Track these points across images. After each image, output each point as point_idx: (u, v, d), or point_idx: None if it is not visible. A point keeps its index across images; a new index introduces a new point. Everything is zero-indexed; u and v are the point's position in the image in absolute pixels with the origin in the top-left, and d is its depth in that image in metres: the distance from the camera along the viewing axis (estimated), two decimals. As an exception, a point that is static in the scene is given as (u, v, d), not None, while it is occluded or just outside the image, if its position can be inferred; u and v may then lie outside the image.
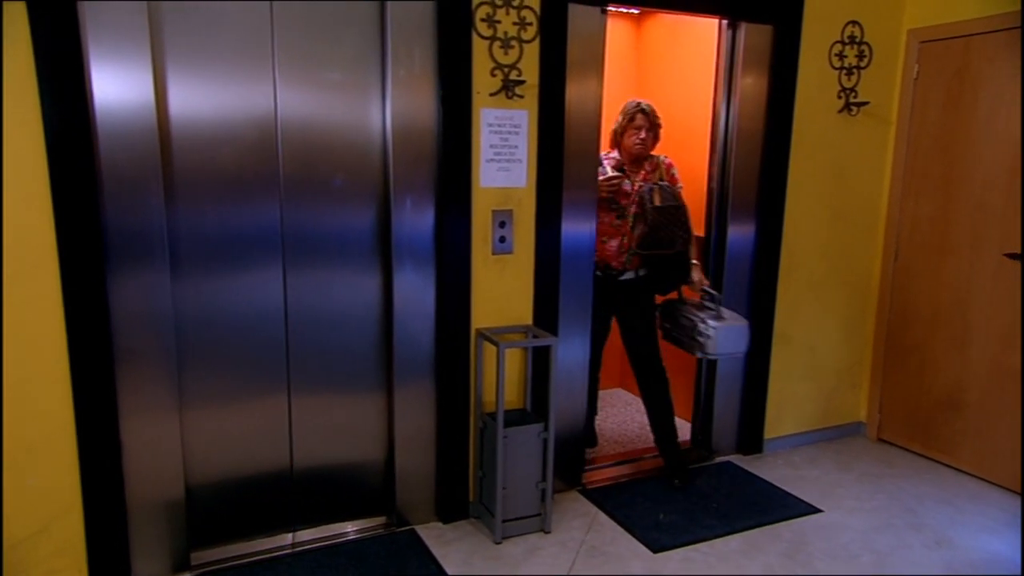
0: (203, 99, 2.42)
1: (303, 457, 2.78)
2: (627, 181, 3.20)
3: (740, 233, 3.47)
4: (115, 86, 2.21)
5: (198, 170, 2.45)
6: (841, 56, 3.50)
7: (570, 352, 3.10)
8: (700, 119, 3.57)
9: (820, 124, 3.52)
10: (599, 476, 3.38)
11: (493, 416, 2.81)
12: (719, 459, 3.63)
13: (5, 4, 2.04)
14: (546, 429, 2.85)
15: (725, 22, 3.33)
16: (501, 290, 2.91)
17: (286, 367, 2.69)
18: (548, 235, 2.95)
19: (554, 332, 3.00)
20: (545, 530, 2.89)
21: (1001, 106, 3.28)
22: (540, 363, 2.99)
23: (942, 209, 3.54)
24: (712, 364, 3.55)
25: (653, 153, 3.27)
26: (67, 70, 2.14)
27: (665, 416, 3.34)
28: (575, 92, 2.90)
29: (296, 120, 2.56)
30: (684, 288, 3.32)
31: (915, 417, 3.73)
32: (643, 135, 3.15)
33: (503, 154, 2.81)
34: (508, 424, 2.79)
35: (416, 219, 2.73)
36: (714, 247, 3.50)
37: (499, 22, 2.71)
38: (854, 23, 3.50)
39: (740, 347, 3.14)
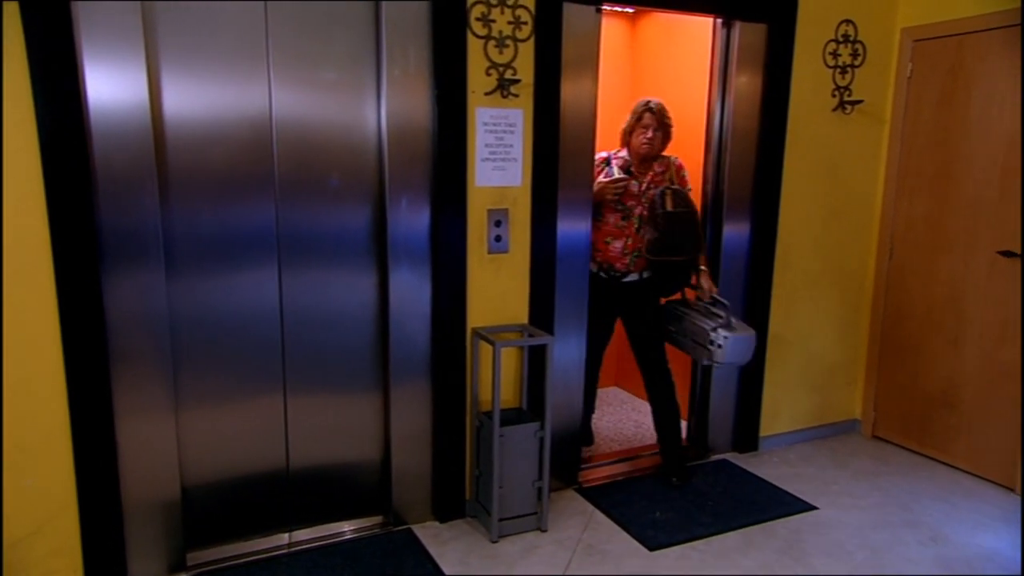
0: (197, 99, 2.41)
1: (299, 457, 2.78)
2: (634, 182, 3.18)
3: (735, 231, 3.48)
4: (109, 86, 2.21)
5: (193, 170, 2.44)
6: (835, 55, 3.51)
7: (566, 351, 3.11)
8: (695, 118, 3.57)
9: (814, 123, 3.53)
10: (595, 474, 3.38)
11: (489, 415, 2.81)
12: (715, 457, 3.63)
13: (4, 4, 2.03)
14: (542, 428, 2.85)
15: (719, 21, 3.33)
16: (497, 289, 2.91)
17: (282, 367, 2.69)
18: (544, 234, 2.95)
19: (550, 331, 3.01)
20: (542, 528, 2.90)
21: (994, 104, 3.30)
22: (536, 362, 2.99)
23: (936, 207, 3.56)
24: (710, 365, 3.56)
25: (664, 154, 3.23)
26: (61, 70, 2.13)
27: (672, 418, 3.33)
28: (570, 91, 2.90)
29: (291, 119, 2.56)
30: (687, 289, 3.32)
31: (910, 414, 3.75)
32: (650, 135, 3.11)
33: (498, 153, 2.81)
34: (504, 423, 2.80)
35: (411, 218, 2.73)
36: (709, 245, 3.50)
37: (494, 21, 2.71)
38: (848, 22, 3.51)
39: (747, 357, 3.12)
